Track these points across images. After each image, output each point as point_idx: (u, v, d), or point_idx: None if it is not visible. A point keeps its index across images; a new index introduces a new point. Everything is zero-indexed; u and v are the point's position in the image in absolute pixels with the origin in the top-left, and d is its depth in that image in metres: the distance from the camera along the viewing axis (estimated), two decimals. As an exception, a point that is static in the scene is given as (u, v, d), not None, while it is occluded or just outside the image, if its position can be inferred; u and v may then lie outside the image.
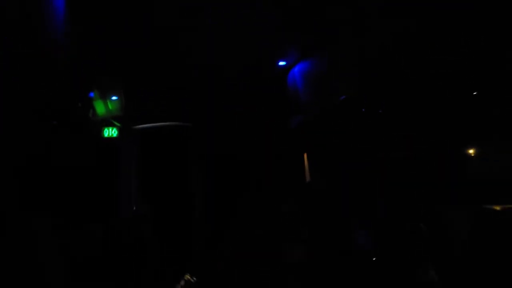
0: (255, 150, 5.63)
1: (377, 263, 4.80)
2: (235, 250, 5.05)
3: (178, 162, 5.75)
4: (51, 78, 5.00)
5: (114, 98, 5.70)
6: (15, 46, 3.72)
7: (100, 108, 5.65)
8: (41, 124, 5.08)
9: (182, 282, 4.23)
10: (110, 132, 5.62)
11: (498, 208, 3.95)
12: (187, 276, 4.30)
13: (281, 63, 5.49)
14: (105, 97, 5.71)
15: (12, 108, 4.55)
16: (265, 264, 4.88)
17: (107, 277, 3.31)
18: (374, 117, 4.89)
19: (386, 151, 5.11)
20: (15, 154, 4.31)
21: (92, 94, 5.81)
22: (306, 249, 5.14)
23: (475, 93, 4.21)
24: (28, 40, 4.10)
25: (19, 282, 2.80)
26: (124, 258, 4.31)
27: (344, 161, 5.34)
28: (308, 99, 5.65)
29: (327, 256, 5.00)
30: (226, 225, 5.33)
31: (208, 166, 5.69)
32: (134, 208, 5.48)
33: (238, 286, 4.65)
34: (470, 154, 4.86)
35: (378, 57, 4.15)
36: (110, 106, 5.68)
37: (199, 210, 5.70)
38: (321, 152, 5.66)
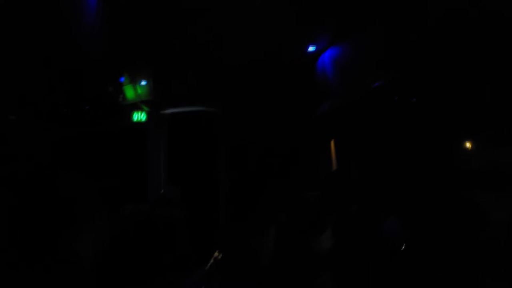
0: (282, 136, 5.60)
1: (406, 251, 4.72)
2: (258, 234, 5.05)
3: (205, 147, 5.77)
4: (83, 65, 5.08)
5: (143, 83, 5.75)
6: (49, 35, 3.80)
7: (129, 92, 5.72)
8: (74, 109, 5.18)
9: (212, 261, 4.27)
10: (139, 116, 5.68)
11: None
12: (216, 254, 4.35)
13: (311, 48, 5.41)
14: (135, 82, 5.77)
15: (47, 94, 4.64)
16: (289, 250, 4.87)
17: (137, 258, 3.38)
18: (407, 105, 4.79)
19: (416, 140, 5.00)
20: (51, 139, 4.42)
21: (122, 79, 5.89)
22: (332, 238, 5.09)
23: None
24: (60, 29, 4.18)
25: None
26: (152, 240, 4.38)
27: (374, 150, 5.26)
28: (338, 86, 5.57)
29: (354, 245, 4.95)
30: (251, 209, 5.33)
31: (234, 151, 5.69)
32: (162, 191, 5.55)
33: (263, 268, 4.65)
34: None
35: (416, 44, 4.03)
36: (139, 91, 5.73)
37: (225, 195, 5.72)
38: (350, 140, 5.59)
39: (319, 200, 5.43)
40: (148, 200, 5.46)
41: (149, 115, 5.68)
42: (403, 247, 4.88)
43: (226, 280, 4.73)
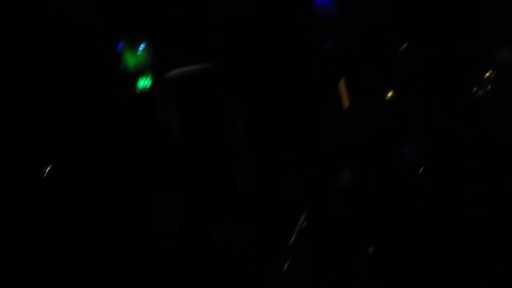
0: (287, 82, 5.46)
1: (422, 175, 4.78)
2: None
3: (212, 104, 5.67)
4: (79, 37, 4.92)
5: (142, 47, 5.57)
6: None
7: (130, 59, 5.55)
8: (76, 80, 5.08)
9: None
10: (144, 82, 5.55)
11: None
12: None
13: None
14: (133, 47, 5.59)
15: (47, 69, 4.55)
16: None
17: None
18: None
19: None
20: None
21: (120, 46, 5.70)
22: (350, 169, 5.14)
23: None
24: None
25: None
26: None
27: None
28: (341, 23, 5.39)
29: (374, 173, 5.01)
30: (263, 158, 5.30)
31: (241, 106, 5.59)
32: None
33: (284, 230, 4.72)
34: None
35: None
36: (140, 57, 5.57)
37: (236, 151, 5.63)
38: (357, 79, 5.49)
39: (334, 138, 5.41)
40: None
41: (153, 80, 5.54)
42: (420, 171, 4.93)
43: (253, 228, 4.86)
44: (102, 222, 4.34)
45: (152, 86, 5.50)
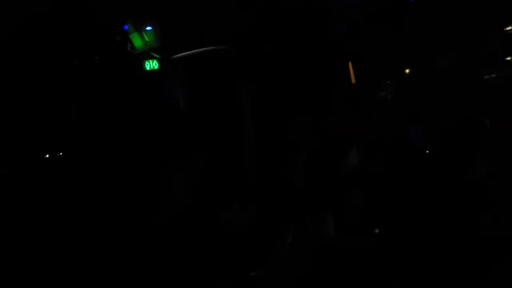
0: (299, 64, 5.53)
1: (429, 157, 4.91)
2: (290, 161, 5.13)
3: (222, 85, 5.72)
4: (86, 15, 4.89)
5: (148, 28, 5.56)
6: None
7: (137, 41, 5.54)
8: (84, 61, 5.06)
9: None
10: (151, 64, 5.56)
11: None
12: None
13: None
14: (139, 28, 5.57)
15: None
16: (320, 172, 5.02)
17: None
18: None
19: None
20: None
21: (126, 27, 5.68)
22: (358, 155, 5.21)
23: None
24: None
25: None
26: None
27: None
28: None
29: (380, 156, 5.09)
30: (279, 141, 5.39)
31: (255, 88, 5.64)
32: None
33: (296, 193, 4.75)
34: None
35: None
36: (146, 38, 5.56)
37: (248, 134, 5.71)
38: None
39: (343, 123, 5.52)
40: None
41: (160, 62, 5.56)
42: (426, 151, 5.08)
43: (262, 207, 4.91)
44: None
45: (160, 68, 5.52)
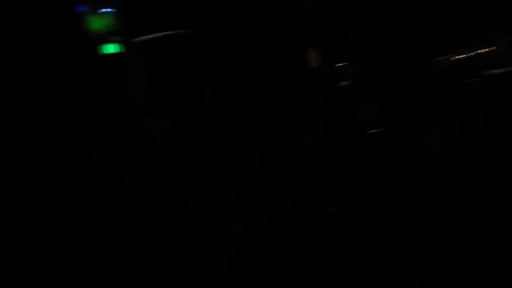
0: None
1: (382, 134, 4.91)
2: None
3: (190, 73, 5.29)
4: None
5: (108, 10, 5.06)
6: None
7: (95, 23, 5.01)
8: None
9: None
10: (110, 48, 5.04)
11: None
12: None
13: None
14: (96, 9, 5.06)
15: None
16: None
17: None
18: None
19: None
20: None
21: (81, 8, 5.13)
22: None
23: None
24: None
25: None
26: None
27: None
28: None
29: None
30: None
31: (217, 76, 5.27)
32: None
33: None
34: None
35: None
36: (105, 20, 5.05)
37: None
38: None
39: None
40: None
41: (122, 45, 5.05)
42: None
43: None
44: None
45: (122, 51, 5.01)
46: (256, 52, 5.28)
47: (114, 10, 5.06)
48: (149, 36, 5.13)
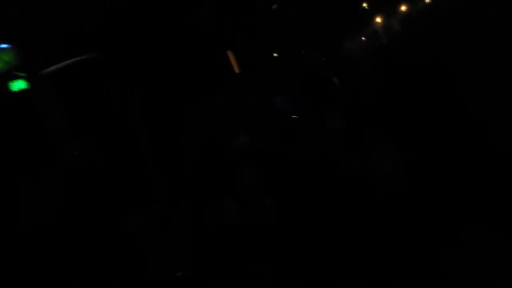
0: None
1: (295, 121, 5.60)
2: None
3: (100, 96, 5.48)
4: None
5: (4, 46, 5.01)
6: None
7: (-4, 60, 4.94)
8: None
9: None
10: (18, 85, 5.06)
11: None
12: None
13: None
14: (-7, 47, 4.97)
15: None
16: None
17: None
18: None
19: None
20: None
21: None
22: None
23: None
24: None
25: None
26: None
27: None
28: None
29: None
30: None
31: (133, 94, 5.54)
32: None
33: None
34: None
35: None
36: (4, 57, 5.00)
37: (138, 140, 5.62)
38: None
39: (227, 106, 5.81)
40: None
41: (28, 80, 5.08)
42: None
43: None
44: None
45: (29, 85, 5.03)
46: (158, 60, 5.63)
47: (11, 46, 5.03)
48: (53, 67, 5.22)
